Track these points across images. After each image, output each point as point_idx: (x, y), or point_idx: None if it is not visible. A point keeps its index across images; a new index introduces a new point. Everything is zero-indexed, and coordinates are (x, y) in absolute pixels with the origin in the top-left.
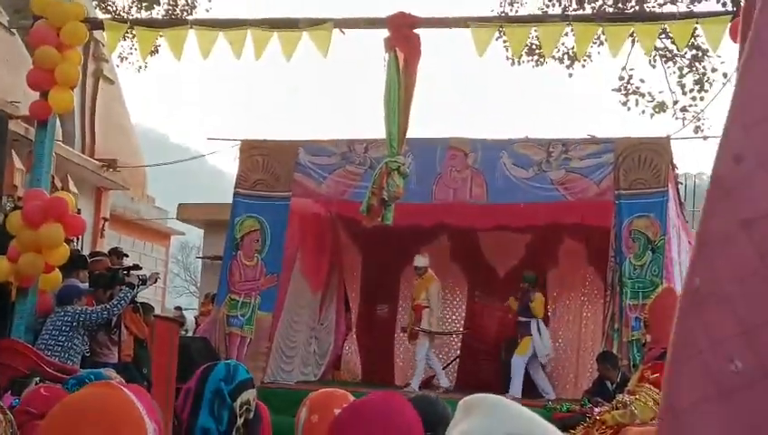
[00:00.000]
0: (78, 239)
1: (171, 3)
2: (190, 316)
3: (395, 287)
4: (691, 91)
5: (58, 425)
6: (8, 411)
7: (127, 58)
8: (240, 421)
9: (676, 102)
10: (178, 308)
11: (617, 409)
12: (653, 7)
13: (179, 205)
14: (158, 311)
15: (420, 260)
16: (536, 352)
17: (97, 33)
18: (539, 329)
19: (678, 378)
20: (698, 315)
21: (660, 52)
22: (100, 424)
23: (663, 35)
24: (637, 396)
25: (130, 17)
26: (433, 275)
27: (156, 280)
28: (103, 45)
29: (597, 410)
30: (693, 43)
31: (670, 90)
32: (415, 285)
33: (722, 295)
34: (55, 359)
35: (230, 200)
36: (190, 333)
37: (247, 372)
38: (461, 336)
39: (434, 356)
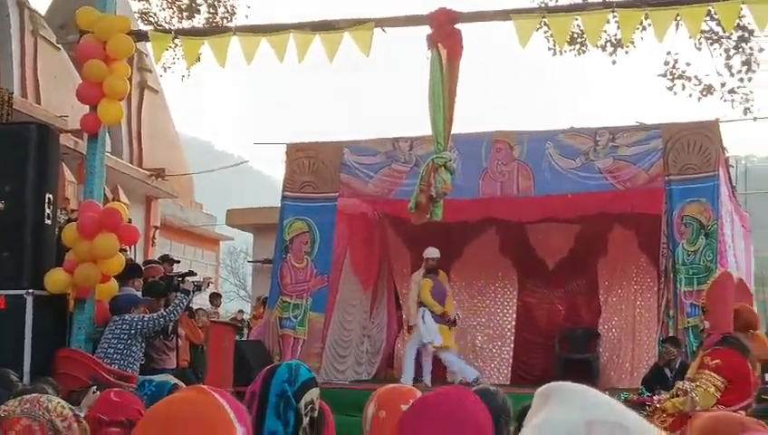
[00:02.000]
0: (131, 248)
1: (211, 11)
2: None
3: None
4: (738, 72)
5: (151, 429)
6: (82, 419)
7: (170, 68)
8: (306, 421)
9: (723, 85)
10: (241, 311)
11: (677, 396)
12: None
13: (228, 210)
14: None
15: (434, 252)
16: (422, 338)
17: (140, 45)
18: (423, 317)
19: None
20: None
21: (706, 34)
22: (194, 429)
23: (708, 17)
24: (697, 383)
25: (173, 27)
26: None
27: (209, 285)
28: (147, 56)
29: (656, 398)
30: (739, 24)
31: (717, 72)
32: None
33: None
34: (114, 367)
35: (277, 204)
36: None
37: (309, 372)
38: (514, 330)
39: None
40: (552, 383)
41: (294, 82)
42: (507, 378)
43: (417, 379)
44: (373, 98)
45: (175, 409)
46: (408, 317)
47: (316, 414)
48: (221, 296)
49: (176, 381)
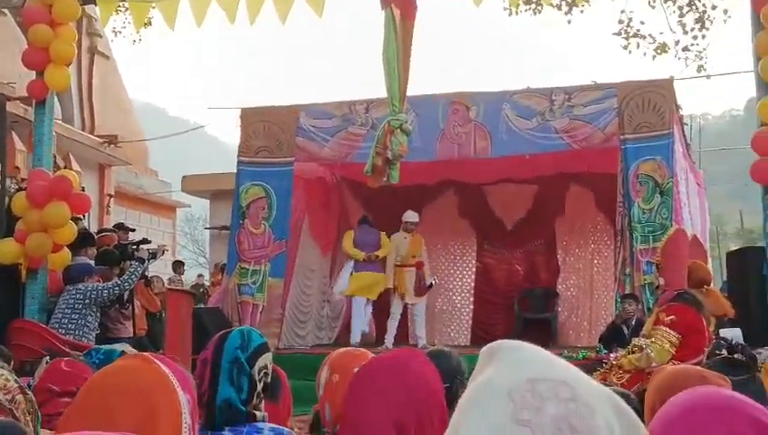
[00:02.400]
0: (84, 217)
1: None
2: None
3: None
4: (692, 30)
5: (90, 399)
6: (28, 391)
7: (121, 32)
8: (260, 386)
9: (677, 43)
10: (200, 276)
11: (633, 353)
12: None
13: (183, 177)
14: (168, 285)
15: (414, 216)
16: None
17: (90, 9)
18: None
19: None
20: None
21: None
22: (133, 396)
23: None
24: (653, 339)
25: None
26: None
27: (164, 252)
28: (97, 21)
29: (613, 355)
30: None
31: (671, 30)
32: (409, 243)
33: None
34: (69, 337)
35: (233, 169)
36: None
37: (261, 337)
38: (473, 291)
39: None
40: (497, 342)
41: (249, 45)
42: (467, 339)
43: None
44: (329, 60)
45: (114, 377)
46: (388, 280)
47: (269, 379)
48: (183, 264)
49: (126, 349)
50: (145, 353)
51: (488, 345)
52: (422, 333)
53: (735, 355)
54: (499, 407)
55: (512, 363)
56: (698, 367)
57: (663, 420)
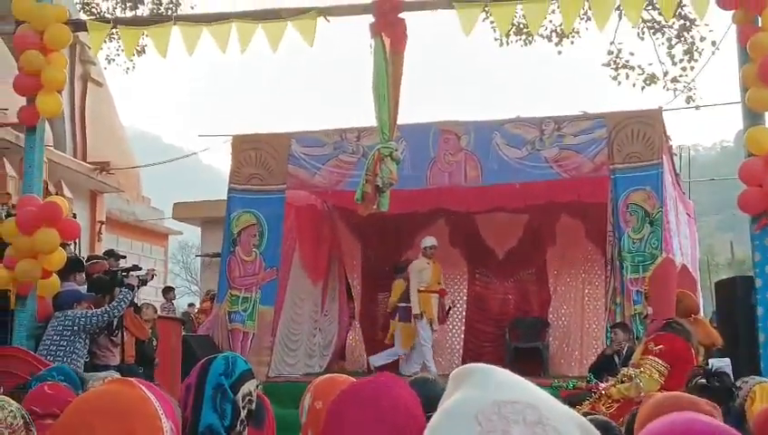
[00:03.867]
0: (75, 244)
1: (155, 2)
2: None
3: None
4: (681, 61)
5: (73, 419)
6: (32, 429)
7: (114, 60)
8: (244, 413)
9: (666, 74)
10: (191, 305)
11: (622, 382)
12: None
13: (175, 204)
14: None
15: (432, 240)
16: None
17: (83, 36)
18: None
19: None
20: None
21: (648, 23)
22: (114, 418)
23: (650, 6)
24: (642, 368)
25: (115, 17)
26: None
27: (153, 277)
28: (89, 48)
29: (603, 384)
30: (680, 13)
31: (660, 61)
32: (431, 269)
33: None
34: (58, 364)
35: (225, 197)
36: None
37: (246, 363)
38: (464, 320)
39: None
40: (466, 365)
41: (243, 74)
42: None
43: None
44: (321, 88)
45: (97, 400)
46: (414, 306)
47: (254, 406)
48: (173, 289)
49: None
50: (130, 379)
51: (457, 369)
52: (431, 360)
53: (713, 383)
54: (466, 430)
55: (480, 387)
56: (689, 394)
57: None
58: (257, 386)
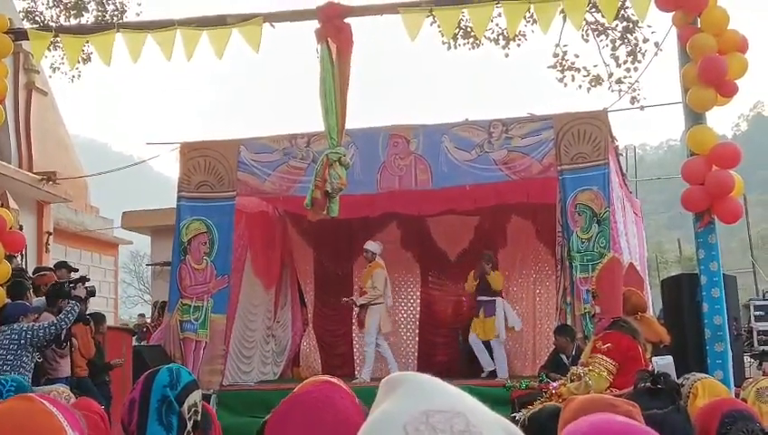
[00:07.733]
0: (22, 255)
1: (100, 9)
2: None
3: (348, 280)
4: (625, 62)
5: None
6: None
7: (59, 68)
8: (190, 425)
9: (611, 75)
10: (142, 316)
11: (572, 381)
12: None
13: (124, 213)
14: (110, 323)
15: (371, 245)
16: (506, 327)
17: (27, 45)
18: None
19: None
20: None
21: (592, 26)
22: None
23: (593, 9)
24: (590, 367)
25: (57, 26)
26: (379, 262)
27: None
28: (33, 56)
29: (554, 384)
30: (623, 15)
31: (604, 63)
32: (364, 273)
33: None
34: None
35: (175, 205)
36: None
37: (190, 374)
38: (418, 323)
39: (386, 344)
40: (396, 373)
41: (192, 81)
42: (414, 371)
43: None
44: (269, 94)
45: (0, 419)
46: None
47: (200, 417)
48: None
49: (63, 390)
50: (32, 394)
51: (386, 377)
52: (390, 362)
53: (659, 385)
54: None
55: (408, 396)
56: (607, 395)
57: None
58: (213, 395)
